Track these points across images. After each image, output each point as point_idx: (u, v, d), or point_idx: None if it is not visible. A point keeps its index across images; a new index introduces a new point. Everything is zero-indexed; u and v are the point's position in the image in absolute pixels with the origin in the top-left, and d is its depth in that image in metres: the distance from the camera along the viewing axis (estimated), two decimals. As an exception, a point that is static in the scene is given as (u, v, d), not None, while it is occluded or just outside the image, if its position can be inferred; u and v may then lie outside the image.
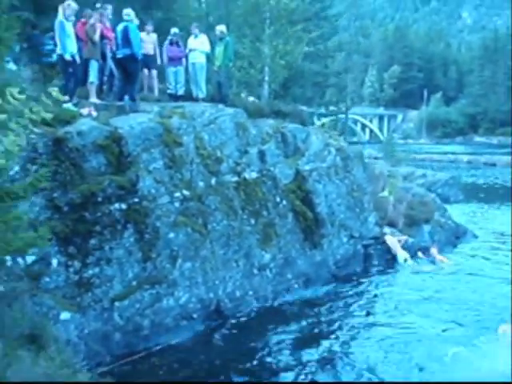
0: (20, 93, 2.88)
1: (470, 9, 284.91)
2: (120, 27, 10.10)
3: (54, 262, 6.90)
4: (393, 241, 12.30)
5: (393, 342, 7.72)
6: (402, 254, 12.05)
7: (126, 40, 9.92)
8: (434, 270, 11.48)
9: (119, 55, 10.16)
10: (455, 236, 14.48)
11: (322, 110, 38.87)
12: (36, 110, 2.94)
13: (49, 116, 3.12)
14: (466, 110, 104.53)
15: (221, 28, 12.27)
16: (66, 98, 8.15)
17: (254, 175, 10.04)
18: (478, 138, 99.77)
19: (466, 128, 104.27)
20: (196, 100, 11.87)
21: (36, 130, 3.79)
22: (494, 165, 44.54)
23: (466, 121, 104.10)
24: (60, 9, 9.42)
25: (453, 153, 54.16)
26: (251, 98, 13.90)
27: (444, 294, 9.83)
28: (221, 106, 10.84)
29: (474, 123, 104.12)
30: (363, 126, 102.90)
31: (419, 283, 10.64)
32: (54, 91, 3.16)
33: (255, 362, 7.15)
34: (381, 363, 7.05)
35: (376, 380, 6.42)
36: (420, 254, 12.48)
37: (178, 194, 8.42)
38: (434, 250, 12.44)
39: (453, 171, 31.79)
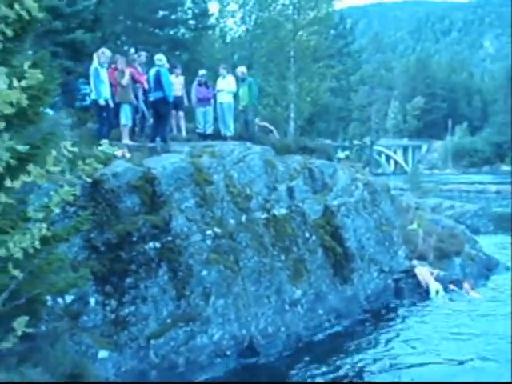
0: (72, 145, 3.10)
1: (491, 38, 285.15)
2: (152, 71, 10.51)
3: (92, 301, 7.09)
4: (424, 272, 12.21)
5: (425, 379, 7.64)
6: (434, 286, 11.93)
7: (159, 84, 10.33)
8: (467, 307, 11.31)
9: (151, 98, 10.56)
10: (487, 268, 14.29)
11: (347, 143, 39.19)
12: (89, 161, 3.17)
13: (100, 167, 3.35)
14: (491, 139, 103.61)
15: (241, 69, 12.66)
16: (116, 150, 8.47)
17: (283, 211, 10.17)
18: (504, 167, 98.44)
19: (492, 157, 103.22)
20: (224, 139, 12.16)
21: (89, 180, 4.01)
22: (523, 194, 43.84)
23: (492, 150, 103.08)
24: (95, 56, 9.88)
25: (480, 183, 53.47)
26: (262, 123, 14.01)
27: (476, 331, 9.66)
28: (249, 144, 11.08)
29: (500, 152, 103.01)
30: (388, 158, 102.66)
31: (452, 319, 10.50)
32: (105, 143, 3.39)
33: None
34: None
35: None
36: (452, 286, 12.33)
37: (209, 232, 8.58)
38: (467, 285, 12.26)
39: (481, 201, 31.42)
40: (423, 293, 11.99)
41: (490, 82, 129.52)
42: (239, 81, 12.93)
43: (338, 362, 8.40)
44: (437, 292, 11.90)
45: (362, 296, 11.03)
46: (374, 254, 11.67)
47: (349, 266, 10.99)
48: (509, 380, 5.57)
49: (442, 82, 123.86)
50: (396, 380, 6.71)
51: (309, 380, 7.74)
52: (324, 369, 8.18)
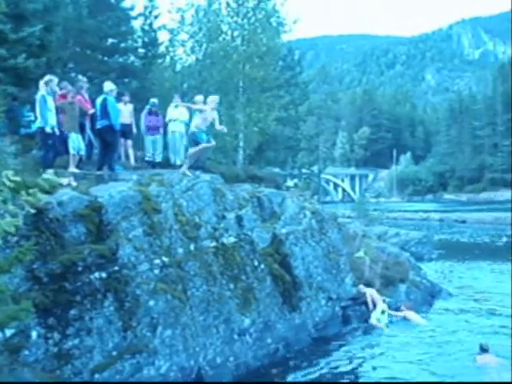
0: (15, 174, 3.04)
1: (432, 71, 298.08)
2: (99, 99, 10.46)
3: (34, 334, 6.84)
4: (374, 293, 12.42)
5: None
6: (381, 307, 12.18)
7: (105, 112, 10.27)
8: (411, 332, 11.55)
9: (98, 126, 10.48)
10: (431, 295, 14.67)
11: (295, 172, 39.71)
12: (33, 191, 3.11)
13: (45, 197, 3.30)
14: (434, 169, 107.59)
15: (199, 98, 12.75)
16: (61, 179, 8.33)
17: (232, 240, 10.18)
18: (447, 196, 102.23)
19: (435, 186, 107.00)
20: (174, 167, 12.15)
21: (32, 210, 3.93)
22: (464, 222, 45.51)
23: (435, 179, 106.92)
24: (41, 83, 9.75)
25: (424, 211, 55.21)
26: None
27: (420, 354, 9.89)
28: (198, 172, 11.11)
29: (442, 181, 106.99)
30: (336, 186, 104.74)
31: (398, 344, 10.69)
32: (50, 174, 3.34)
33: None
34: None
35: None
36: (395, 313, 12.54)
37: (157, 261, 8.48)
38: (404, 308, 12.52)
39: (425, 229, 32.34)
40: (368, 321, 12.15)
41: (432, 113, 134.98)
42: (193, 110, 13.00)
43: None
44: (382, 312, 12.08)
45: (311, 324, 11.09)
46: (322, 281, 11.79)
47: (297, 294, 11.06)
48: (509, 380, 5.64)
49: (387, 113, 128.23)
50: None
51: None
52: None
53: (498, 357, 9.12)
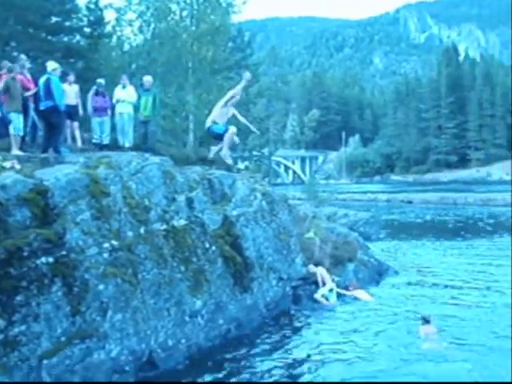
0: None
1: (380, 55, 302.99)
2: (43, 79, 10.11)
3: (-22, 321, 6.65)
4: (324, 272, 12.67)
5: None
6: (329, 285, 12.45)
7: (49, 92, 9.93)
8: (359, 308, 11.88)
9: (42, 107, 10.14)
10: (378, 273, 15.09)
11: (246, 154, 39.71)
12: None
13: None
14: (382, 151, 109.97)
15: (148, 79, 12.55)
16: (6, 163, 8.03)
17: (183, 222, 10.13)
18: (394, 177, 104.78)
19: (383, 167, 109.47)
20: (122, 149, 11.94)
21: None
22: (410, 202, 46.86)
23: (382, 160, 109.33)
24: (-21, 62, 9.34)
25: (372, 192, 56.43)
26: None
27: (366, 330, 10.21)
28: (147, 154, 10.96)
29: (389, 163, 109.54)
30: (286, 168, 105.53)
31: (345, 321, 10.98)
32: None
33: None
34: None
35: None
36: (342, 291, 12.82)
37: (106, 245, 8.34)
38: (351, 288, 12.83)
39: (373, 210, 33.10)
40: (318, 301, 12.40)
41: (380, 96, 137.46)
42: (143, 91, 12.76)
43: (237, 368, 8.50)
44: (331, 290, 12.35)
45: (262, 304, 11.22)
46: (273, 262, 11.92)
47: (248, 275, 11.14)
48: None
49: (336, 96, 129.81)
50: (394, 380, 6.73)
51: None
52: (224, 374, 8.25)
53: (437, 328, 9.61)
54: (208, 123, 11.86)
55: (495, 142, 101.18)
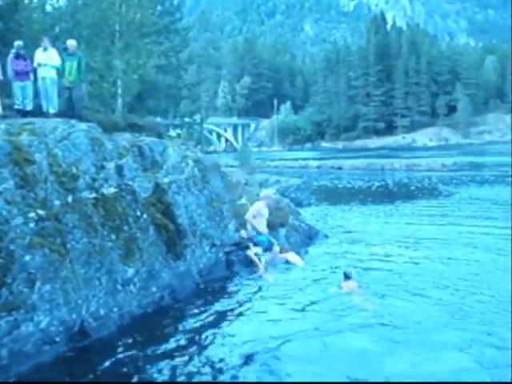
0: None
1: (311, 22, 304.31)
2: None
3: None
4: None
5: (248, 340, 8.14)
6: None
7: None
8: (290, 270, 12.19)
9: (-42, 70, 9.51)
10: (308, 237, 15.47)
11: (177, 121, 39.10)
12: None
13: None
14: (312, 118, 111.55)
15: (71, 43, 12.01)
16: None
17: (113, 190, 9.92)
18: (324, 144, 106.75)
19: (313, 135, 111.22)
20: (47, 115, 11.45)
21: None
22: (340, 168, 48.07)
23: (313, 128, 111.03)
24: None
25: (303, 159, 57.35)
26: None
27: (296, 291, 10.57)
28: (73, 121, 10.58)
29: (320, 130, 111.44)
30: (218, 136, 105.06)
31: (277, 284, 11.25)
32: None
33: (120, 376, 7.16)
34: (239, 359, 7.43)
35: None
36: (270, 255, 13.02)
37: (32, 214, 8.06)
38: (283, 251, 13.09)
39: (304, 176, 33.68)
40: (251, 265, 12.56)
41: (311, 64, 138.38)
42: (66, 55, 12.20)
43: (171, 334, 8.56)
44: (265, 250, 12.58)
45: (195, 270, 11.26)
46: (206, 229, 11.95)
47: (181, 243, 11.13)
48: (509, 380, 5.99)
49: (268, 63, 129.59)
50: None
51: (141, 352, 7.75)
52: (158, 339, 8.29)
53: (359, 283, 10.24)
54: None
55: (420, 109, 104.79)
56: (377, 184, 34.49)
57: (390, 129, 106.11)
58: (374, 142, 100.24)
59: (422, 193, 28.30)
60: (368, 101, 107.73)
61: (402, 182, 35.52)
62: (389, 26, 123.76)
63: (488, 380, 5.96)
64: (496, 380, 5.89)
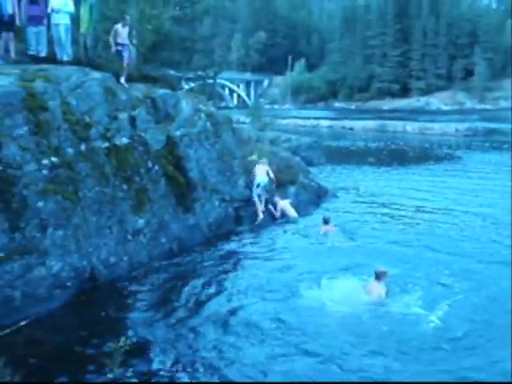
0: None
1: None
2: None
3: None
4: (286, 205, 13.46)
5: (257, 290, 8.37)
6: (293, 214, 13.42)
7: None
8: (291, 227, 12.59)
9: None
10: (317, 196, 15.52)
11: (190, 75, 38.55)
12: None
13: None
14: (326, 77, 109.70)
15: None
16: None
17: (125, 141, 9.96)
18: (337, 104, 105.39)
19: (327, 94, 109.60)
20: (60, 63, 11.35)
21: None
22: (351, 129, 47.65)
23: (327, 87, 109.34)
24: None
25: (315, 118, 56.77)
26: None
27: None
28: (88, 69, 10.49)
29: (334, 89, 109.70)
30: (231, 91, 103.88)
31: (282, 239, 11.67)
32: None
33: (128, 322, 7.36)
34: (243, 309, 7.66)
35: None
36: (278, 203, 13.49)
37: (45, 161, 8.15)
38: (278, 199, 13.47)
39: (316, 135, 33.45)
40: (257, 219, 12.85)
41: (328, 21, 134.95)
42: (78, 1, 12.00)
43: (177, 283, 8.79)
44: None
45: (204, 224, 11.40)
46: (216, 183, 12.02)
47: (191, 196, 11.23)
48: (509, 380, 6.07)
49: (284, 19, 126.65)
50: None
51: (147, 300, 7.94)
52: (164, 289, 8.51)
53: (335, 226, 11.88)
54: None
55: (436, 72, 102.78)
56: (388, 146, 34.25)
57: (405, 91, 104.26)
58: (388, 103, 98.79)
59: (433, 156, 28.09)
60: (384, 61, 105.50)
61: (414, 144, 35.22)
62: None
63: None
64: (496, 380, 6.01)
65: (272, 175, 13.38)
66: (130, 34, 12.52)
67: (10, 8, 10.98)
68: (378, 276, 8.01)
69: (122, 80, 11.18)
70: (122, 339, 5.01)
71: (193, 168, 11.39)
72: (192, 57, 37.24)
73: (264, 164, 13.39)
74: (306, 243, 11.37)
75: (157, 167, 10.49)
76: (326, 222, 11.93)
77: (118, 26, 11.90)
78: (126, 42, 12.03)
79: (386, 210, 14.22)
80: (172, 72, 21.49)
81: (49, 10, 11.69)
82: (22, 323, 7.02)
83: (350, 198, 16.02)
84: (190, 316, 7.53)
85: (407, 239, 11.37)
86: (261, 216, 12.87)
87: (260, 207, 12.94)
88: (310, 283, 8.45)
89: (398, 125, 47.33)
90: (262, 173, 13.17)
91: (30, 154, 7.94)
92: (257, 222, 12.73)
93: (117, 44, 11.92)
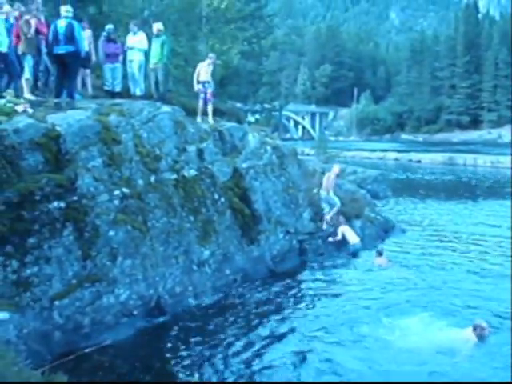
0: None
1: (397, 10, 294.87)
2: (62, 23, 9.86)
3: (-9, 261, 6.80)
4: (346, 230, 13.11)
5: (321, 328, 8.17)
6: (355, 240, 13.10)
7: (71, 37, 9.77)
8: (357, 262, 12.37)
9: (61, 51, 9.91)
10: (384, 231, 15.17)
11: (257, 107, 39.29)
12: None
13: (3, 119, 3.19)
14: (393, 109, 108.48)
15: (158, 26, 12.32)
16: (18, 107, 7.98)
17: (193, 173, 10.18)
18: (404, 136, 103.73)
19: (393, 126, 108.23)
20: (134, 97, 11.85)
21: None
22: (419, 161, 46.60)
23: (393, 119, 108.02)
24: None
25: (381, 150, 56.03)
26: None
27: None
28: (159, 103, 10.89)
29: (400, 121, 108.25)
30: (296, 123, 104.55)
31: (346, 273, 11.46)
32: (9, 94, 3.23)
33: (194, 357, 7.34)
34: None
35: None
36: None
37: (117, 192, 8.43)
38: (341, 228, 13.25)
39: (381, 168, 32.97)
40: (324, 254, 12.58)
41: (395, 53, 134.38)
42: (152, 38, 12.57)
43: (241, 318, 8.70)
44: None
45: (268, 256, 11.39)
46: (281, 216, 12.03)
47: (256, 228, 11.27)
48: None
49: (350, 51, 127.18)
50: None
51: (214, 335, 7.93)
52: (230, 322, 8.45)
53: (388, 258, 11.92)
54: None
55: (509, 103, 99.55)
56: (458, 180, 33.24)
57: (475, 123, 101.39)
58: (457, 135, 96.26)
59: (504, 191, 26.94)
60: (453, 93, 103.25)
61: (485, 178, 33.97)
62: (480, 15, 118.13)
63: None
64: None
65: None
66: (213, 71, 12.97)
67: (86, 46, 11.62)
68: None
69: (210, 117, 11.61)
70: (196, 376, 4.97)
71: (258, 200, 11.47)
72: (258, 90, 38.10)
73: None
74: (372, 276, 11.09)
75: (223, 199, 10.64)
76: (379, 254, 12.01)
77: (204, 64, 12.32)
78: (209, 79, 12.43)
79: (457, 246, 13.74)
80: (239, 105, 22.00)
81: (125, 47, 12.30)
82: (89, 349, 7.18)
83: (418, 232, 15.55)
84: (266, 352, 7.44)
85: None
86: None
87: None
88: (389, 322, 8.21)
89: (468, 158, 45.83)
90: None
91: (103, 185, 8.25)
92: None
93: (198, 82, 12.34)
